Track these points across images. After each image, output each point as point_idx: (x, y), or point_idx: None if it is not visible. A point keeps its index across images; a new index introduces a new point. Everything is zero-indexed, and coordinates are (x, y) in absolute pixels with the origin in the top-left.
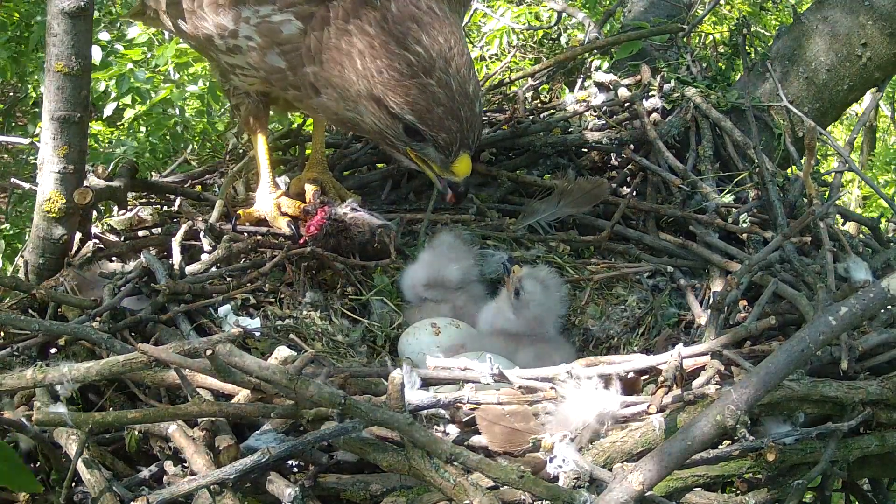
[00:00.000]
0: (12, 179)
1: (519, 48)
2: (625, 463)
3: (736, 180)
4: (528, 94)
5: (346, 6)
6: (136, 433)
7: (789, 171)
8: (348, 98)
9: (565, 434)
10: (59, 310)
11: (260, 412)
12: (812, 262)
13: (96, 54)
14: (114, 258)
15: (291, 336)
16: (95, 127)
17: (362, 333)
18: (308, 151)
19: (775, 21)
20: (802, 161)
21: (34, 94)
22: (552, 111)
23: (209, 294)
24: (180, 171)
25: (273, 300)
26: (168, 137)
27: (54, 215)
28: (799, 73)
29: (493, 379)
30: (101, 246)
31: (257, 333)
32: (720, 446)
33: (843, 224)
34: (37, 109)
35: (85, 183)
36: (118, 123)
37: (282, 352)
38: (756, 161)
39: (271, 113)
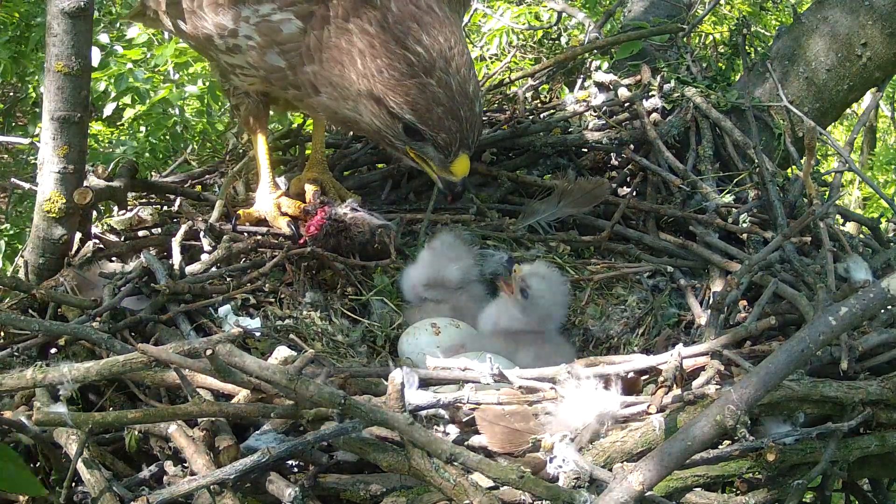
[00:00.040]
0: (12, 179)
1: (519, 48)
2: (625, 463)
3: (736, 180)
4: (528, 94)
5: (345, 5)
6: (136, 433)
7: (789, 171)
8: (348, 97)
9: (565, 434)
10: (59, 310)
11: (260, 412)
12: (812, 262)
13: (95, 56)
14: (114, 258)
15: (291, 336)
16: (95, 127)
17: (362, 333)
18: (308, 151)
19: (775, 21)
20: (802, 161)
21: (34, 94)
22: (552, 111)
23: (209, 294)
24: (180, 171)
25: (273, 300)
26: (168, 137)
27: (54, 215)
28: (799, 73)
29: (493, 379)
30: (101, 246)
31: (257, 333)
32: (720, 446)
33: (843, 224)
34: (37, 109)
35: (85, 183)
36: (118, 123)
37: (282, 352)
38: (756, 161)
39: (271, 113)
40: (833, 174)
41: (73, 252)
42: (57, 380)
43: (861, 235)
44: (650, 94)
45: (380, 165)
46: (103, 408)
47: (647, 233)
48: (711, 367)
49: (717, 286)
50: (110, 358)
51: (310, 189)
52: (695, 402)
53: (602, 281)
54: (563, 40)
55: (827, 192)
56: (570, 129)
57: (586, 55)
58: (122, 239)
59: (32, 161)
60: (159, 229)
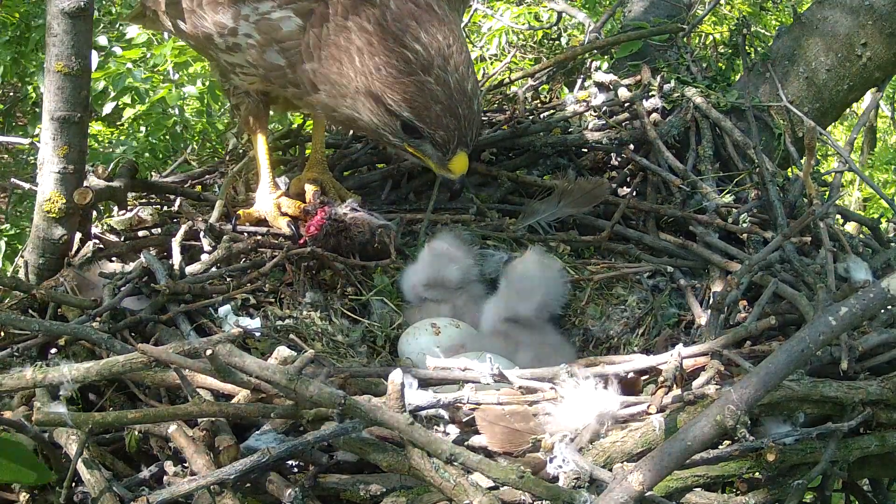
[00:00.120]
0: (12, 179)
1: (519, 48)
2: (625, 463)
3: (736, 180)
4: (528, 94)
5: (345, 3)
6: (136, 433)
7: (789, 171)
8: (346, 95)
9: (565, 434)
10: (59, 310)
11: (260, 412)
12: (812, 262)
13: (93, 59)
14: (114, 258)
15: (291, 336)
16: (95, 127)
17: (362, 333)
18: (308, 151)
19: (775, 21)
20: (802, 161)
21: (34, 95)
22: (552, 111)
23: (209, 294)
24: (180, 171)
25: (273, 300)
26: (167, 137)
27: (54, 215)
28: (799, 73)
29: (493, 379)
30: (101, 246)
31: (257, 333)
32: (720, 446)
33: (843, 224)
34: (37, 109)
35: (85, 183)
36: (118, 123)
37: (282, 352)
38: (756, 161)
39: (271, 113)
40: (833, 174)
41: (73, 252)
42: (57, 380)
43: (861, 235)
44: (650, 94)
45: (380, 165)
46: (103, 408)
47: (647, 233)
48: (711, 367)
49: (717, 286)
50: (110, 358)
51: (310, 189)
52: (695, 402)
53: (602, 281)
54: (563, 40)
55: (827, 192)
56: (570, 129)
57: (586, 55)
58: (122, 239)
59: (32, 161)
60: (159, 229)
